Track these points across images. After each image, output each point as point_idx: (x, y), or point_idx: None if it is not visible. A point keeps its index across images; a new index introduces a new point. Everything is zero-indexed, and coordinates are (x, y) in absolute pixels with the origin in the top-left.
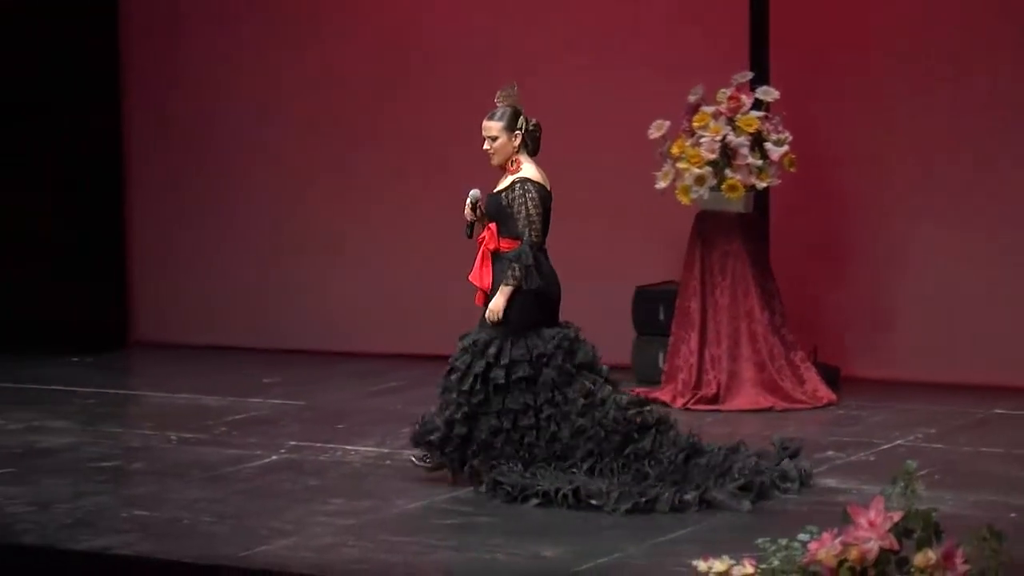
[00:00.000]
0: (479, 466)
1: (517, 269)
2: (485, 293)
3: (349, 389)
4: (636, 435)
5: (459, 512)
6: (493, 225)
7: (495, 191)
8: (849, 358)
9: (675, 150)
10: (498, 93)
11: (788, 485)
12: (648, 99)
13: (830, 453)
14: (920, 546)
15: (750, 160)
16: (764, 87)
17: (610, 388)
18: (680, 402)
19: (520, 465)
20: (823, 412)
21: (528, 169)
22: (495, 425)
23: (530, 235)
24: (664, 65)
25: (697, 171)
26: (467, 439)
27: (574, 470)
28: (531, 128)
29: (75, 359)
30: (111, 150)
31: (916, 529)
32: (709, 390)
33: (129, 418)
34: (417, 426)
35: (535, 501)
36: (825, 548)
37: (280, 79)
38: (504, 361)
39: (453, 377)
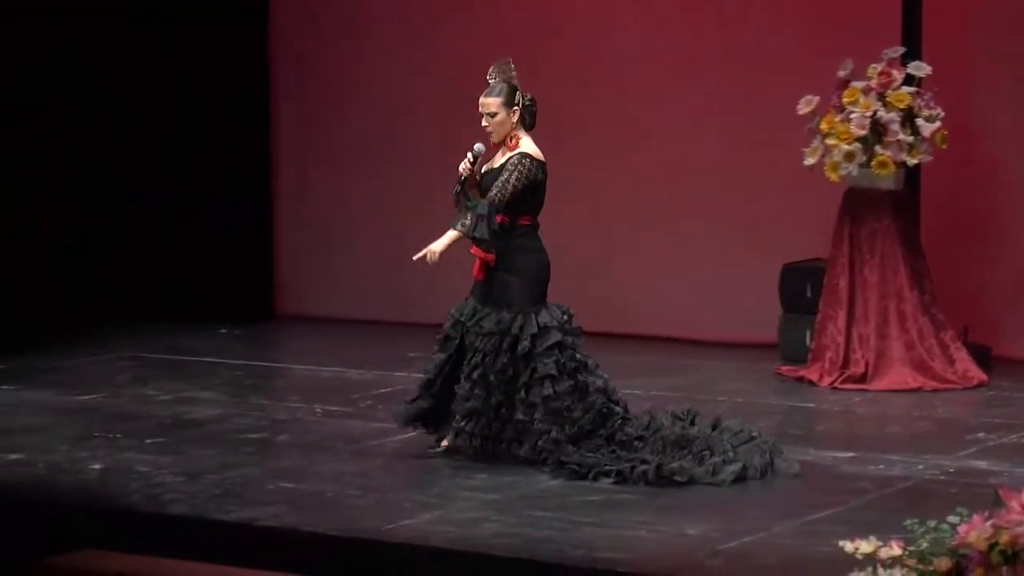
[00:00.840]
0: (512, 446)
1: (469, 218)
2: (487, 265)
3: None
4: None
5: (602, 489)
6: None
7: (495, 167)
8: (1001, 338)
9: (824, 126)
10: (491, 68)
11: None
12: (797, 74)
13: (980, 435)
14: None
15: (901, 136)
16: (916, 62)
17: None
18: (827, 381)
19: (568, 442)
20: (973, 393)
21: (527, 144)
22: (523, 398)
23: (497, 196)
24: (814, 40)
25: (846, 147)
26: (499, 419)
27: (612, 447)
28: (527, 103)
29: (223, 331)
30: (258, 127)
31: None
32: (857, 369)
33: (275, 390)
34: (465, 437)
35: (608, 480)
36: (976, 531)
37: (426, 49)
38: (534, 330)
39: (484, 361)
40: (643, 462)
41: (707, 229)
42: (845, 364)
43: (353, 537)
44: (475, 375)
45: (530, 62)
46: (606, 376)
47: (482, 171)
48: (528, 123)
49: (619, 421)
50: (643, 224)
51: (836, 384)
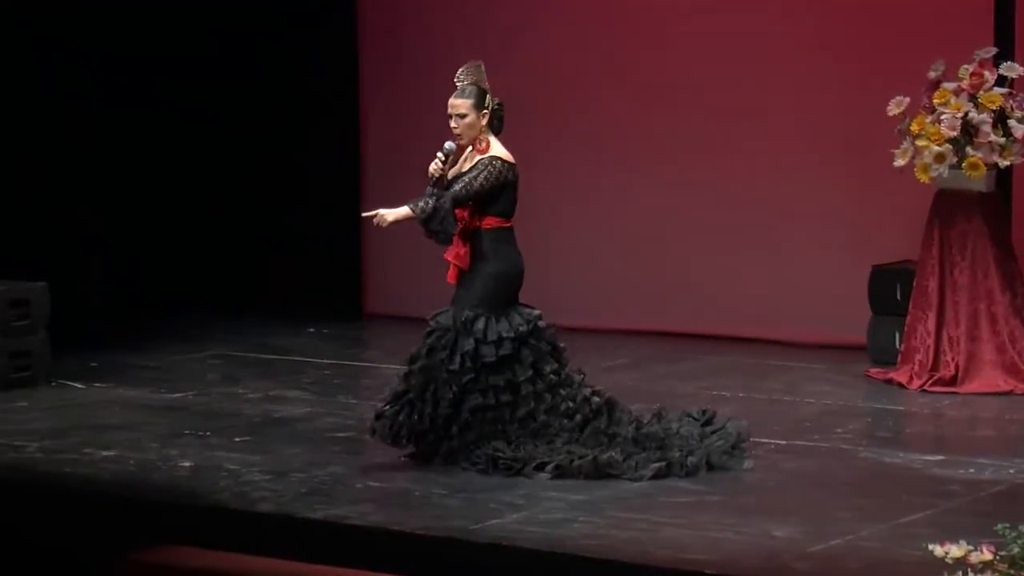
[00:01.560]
0: (457, 446)
1: (429, 204)
2: (461, 269)
3: (582, 363)
4: (592, 415)
5: (689, 490)
6: (467, 208)
7: (463, 171)
8: None
9: (915, 127)
10: (461, 70)
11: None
12: (887, 75)
13: None
14: None
15: (992, 138)
16: (1008, 63)
17: (569, 368)
18: (916, 384)
19: (503, 443)
20: None
21: (497, 148)
22: (479, 403)
23: (461, 191)
24: (905, 40)
25: (937, 149)
26: (449, 419)
27: (553, 446)
28: (496, 107)
29: (311, 330)
30: (348, 126)
31: None
32: (947, 372)
33: (363, 389)
34: (386, 421)
35: (545, 475)
36: None
37: (511, 49)
38: (492, 338)
39: (437, 358)
40: (581, 456)
41: (796, 230)
42: (935, 367)
43: (440, 536)
44: (416, 366)
45: (623, 64)
46: (564, 373)
47: (449, 177)
48: (496, 127)
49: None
50: (732, 225)
51: (926, 387)
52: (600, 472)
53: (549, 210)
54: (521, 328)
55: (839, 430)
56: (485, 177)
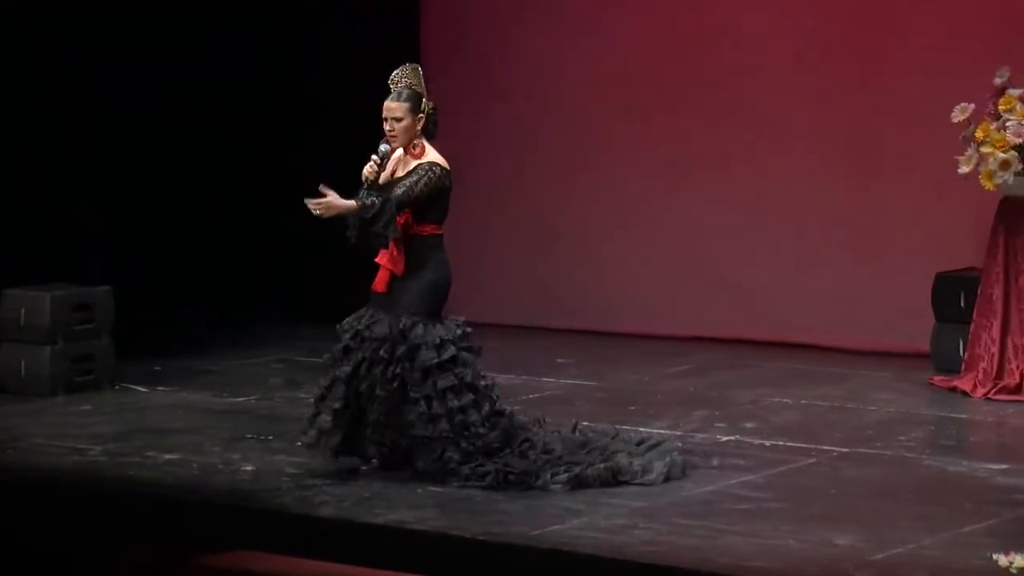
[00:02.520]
0: (406, 455)
1: (377, 204)
2: (394, 276)
3: (643, 370)
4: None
5: (749, 497)
6: (407, 213)
7: (399, 176)
8: None
9: (979, 134)
10: (395, 73)
11: (623, 478)
12: (952, 81)
13: None
14: None
15: None
16: None
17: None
18: (980, 392)
19: (515, 457)
20: None
21: (433, 154)
22: (424, 412)
23: (404, 195)
24: (969, 47)
25: (1002, 156)
26: (383, 427)
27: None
28: (431, 112)
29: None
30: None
31: None
32: (1011, 380)
33: None
34: (312, 434)
35: (558, 487)
36: None
37: (579, 49)
38: (433, 341)
39: (374, 370)
40: (589, 465)
41: (861, 237)
42: (999, 375)
43: (501, 542)
44: (354, 380)
45: (690, 63)
46: (497, 394)
47: (380, 182)
48: (431, 132)
49: (525, 443)
50: (796, 232)
51: (990, 395)
52: (614, 479)
53: (609, 215)
54: (454, 334)
55: (902, 438)
56: (426, 183)
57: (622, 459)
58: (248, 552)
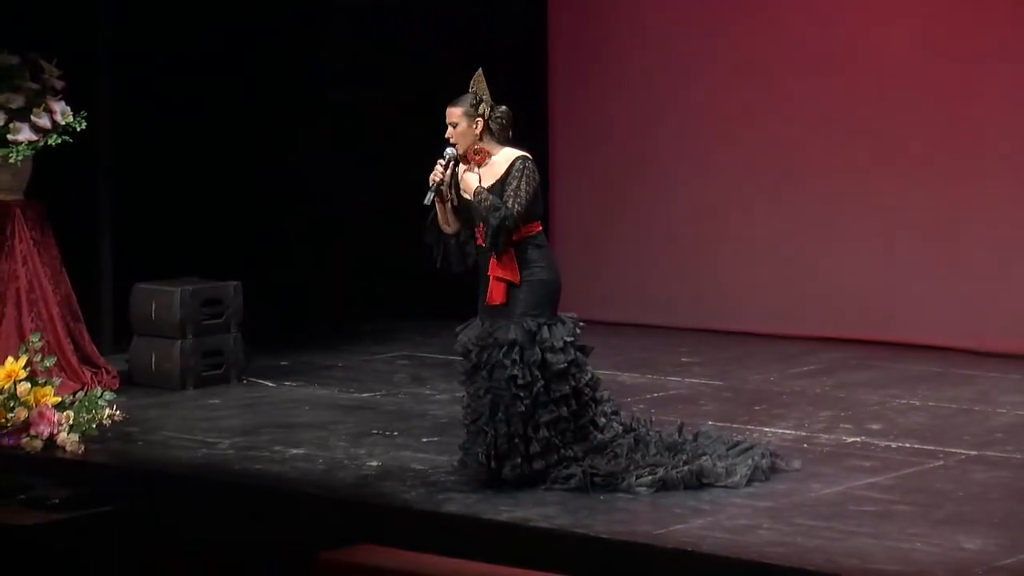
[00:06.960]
0: (541, 468)
1: (503, 213)
2: (511, 285)
3: (769, 370)
4: (630, 425)
5: (877, 499)
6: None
7: (491, 185)
8: None
9: None
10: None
11: (707, 480)
12: None
13: None
14: None
15: None
16: None
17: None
18: None
19: (600, 459)
20: None
21: (503, 152)
22: (554, 416)
23: (519, 208)
24: None
25: None
26: (526, 437)
27: (617, 453)
28: (497, 115)
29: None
30: (535, 132)
31: None
32: None
33: None
34: (477, 454)
35: (643, 490)
36: None
37: (699, 52)
38: (559, 345)
39: (500, 376)
40: (673, 467)
41: (987, 235)
42: None
43: (625, 540)
44: (479, 390)
45: (813, 63)
46: (606, 395)
47: (452, 187)
48: (498, 137)
49: (616, 445)
50: (923, 231)
51: None
52: (699, 482)
53: (732, 214)
54: (578, 332)
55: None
56: (527, 182)
57: (706, 462)
58: (373, 547)
